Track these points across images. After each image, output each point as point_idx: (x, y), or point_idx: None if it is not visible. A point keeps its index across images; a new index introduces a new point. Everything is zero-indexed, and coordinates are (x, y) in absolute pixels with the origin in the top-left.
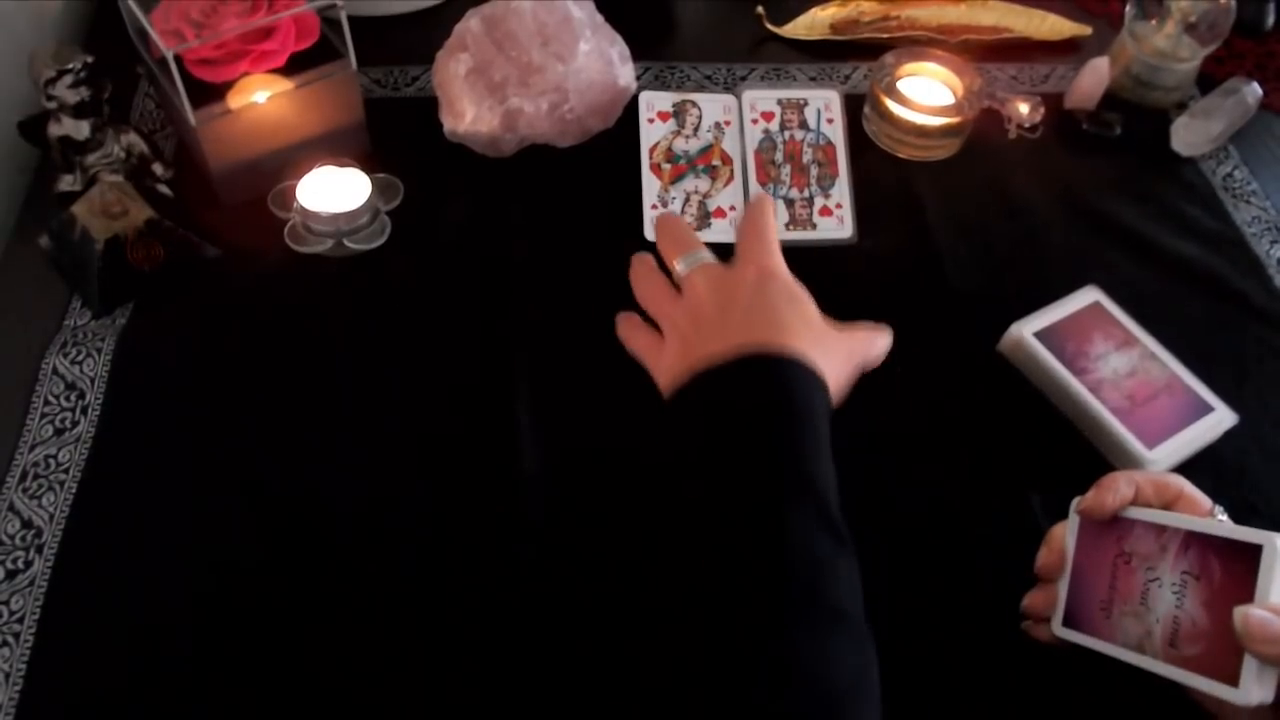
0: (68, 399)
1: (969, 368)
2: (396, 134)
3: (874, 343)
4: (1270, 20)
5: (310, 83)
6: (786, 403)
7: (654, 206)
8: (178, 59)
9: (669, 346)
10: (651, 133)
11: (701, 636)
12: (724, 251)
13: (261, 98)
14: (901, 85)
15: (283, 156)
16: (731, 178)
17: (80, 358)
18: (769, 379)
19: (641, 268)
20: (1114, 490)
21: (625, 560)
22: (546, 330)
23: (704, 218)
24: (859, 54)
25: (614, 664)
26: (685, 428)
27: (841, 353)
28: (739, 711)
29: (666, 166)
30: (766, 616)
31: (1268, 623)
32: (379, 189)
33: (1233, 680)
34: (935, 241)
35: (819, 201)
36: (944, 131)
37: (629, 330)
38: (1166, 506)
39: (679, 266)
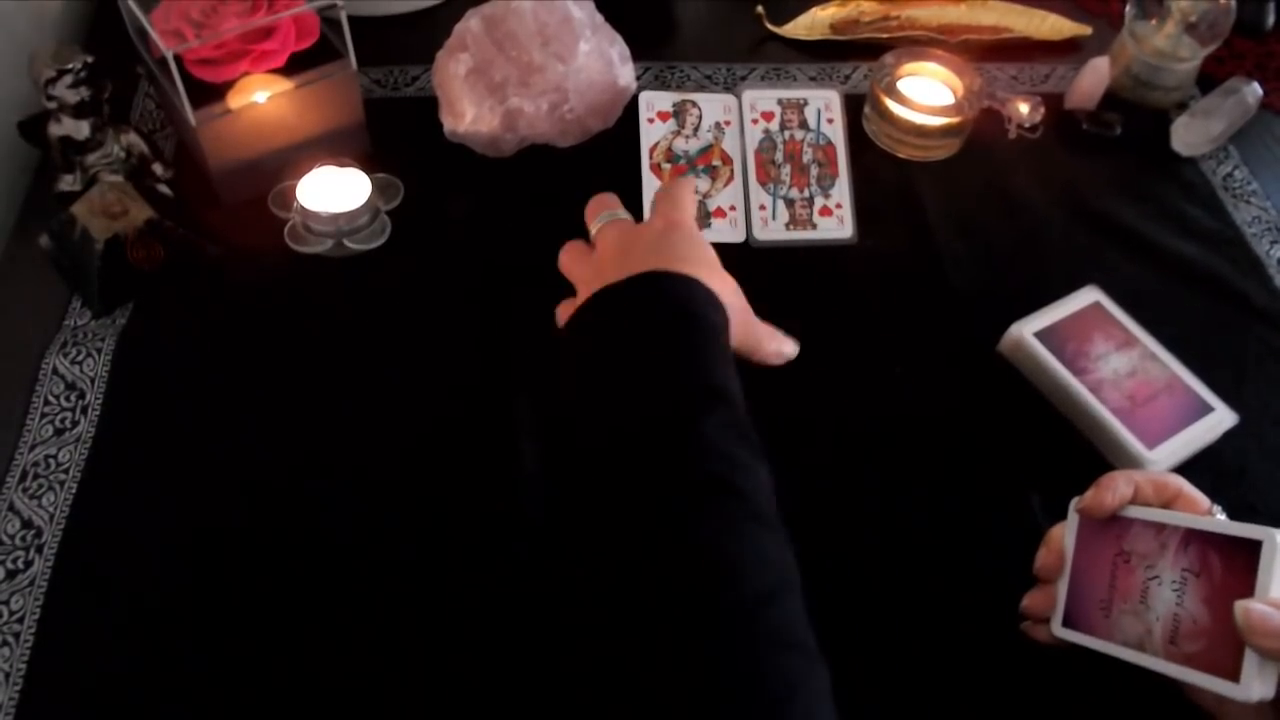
0: (68, 399)
1: (969, 368)
2: (396, 134)
3: (774, 337)
4: (1270, 20)
5: (310, 83)
6: (686, 314)
7: None
8: (178, 59)
9: (577, 298)
10: (651, 133)
11: (623, 543)
12: (724, 251)
13: (261, 98)
14: (902, 85)
15: (283, 156)
16: (731, 178)
17: (80, 358)
18: (666, 293)
19: (568, 244)
20: (1113, 489)
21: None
22: (546, 330)
23: (704, 218)
24: (859, 54)
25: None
26: (584, 347)
27: (738, 300)
28: (666, 615)
29: (667, 166)
30: (680, 515)
31: (1269, 616)
32: (379, 189)
33: (1234, 676)
34: (935, 241)
35: (819, 201)
36: (944, 131)
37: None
38: (1165, 506)
39: (593, 227)
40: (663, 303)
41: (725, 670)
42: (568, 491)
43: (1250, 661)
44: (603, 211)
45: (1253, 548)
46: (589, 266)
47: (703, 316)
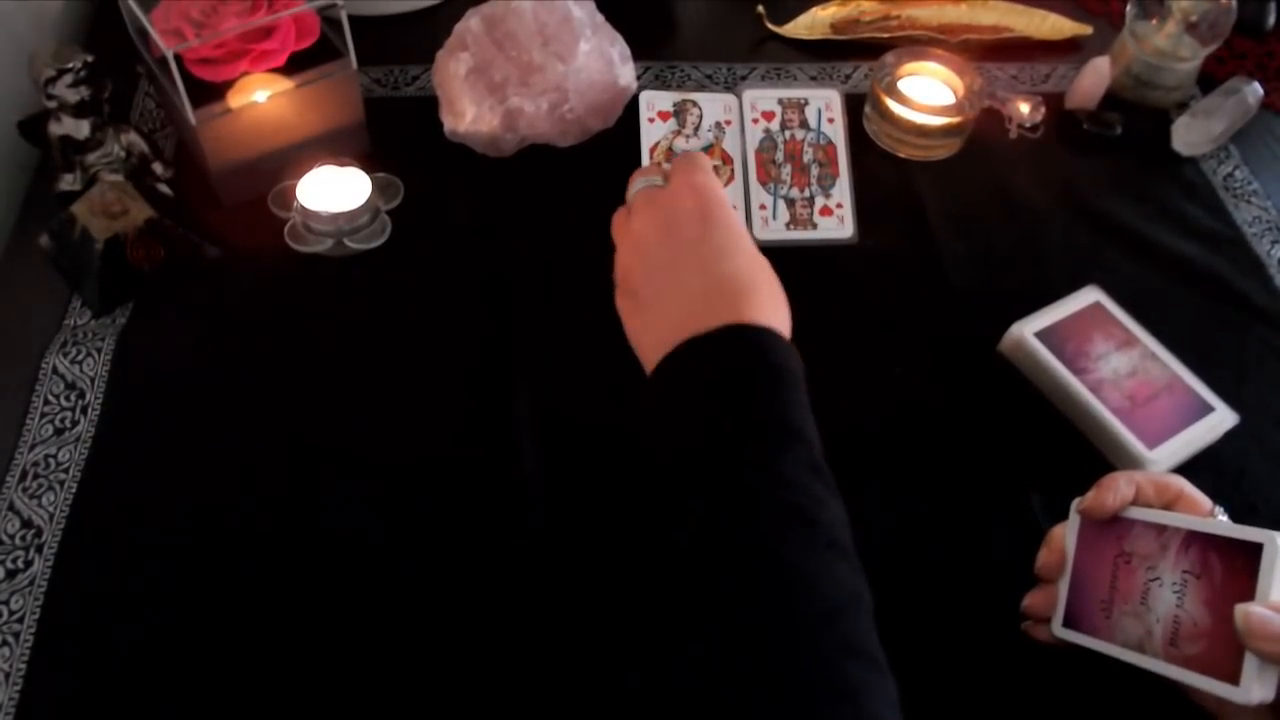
0: (68, 399)
1: (969, 368)
2: (397, 134)
3: None
4: (1271, 20)
5: (310, 82)
6: (769, 366)
7: None
8: (178, 58)
9: (619, 260)
10: (652, 132)
11: (700, 561)
12: None
13: (261, 97)
14: (902, 85)
15: (283, 156)
16: (732, 177)
17: (80, 357)
18: (751, 347)
19: (618, 210)
20: (1114, 490)
21: (626, 556)
22: (546, 330)
23: None
24: (859, 53)
25: (614, 657)
26: (673, 388)
27: (783, 296)
28: (745, 626)
29: (667, 166)
30: (762, 536)
31: (1269, 620)
32: (379, 189)
33: (1233, 679)
34: (935, 241)
35: (819, 201)
36: (944, 131)
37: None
38: (1167, 506)
39: (630, 191)
40: (748, 356)
41: (789, 673)
42: (649, 512)
43: (1250, 664)
44: (639, 180)
45: (1253, 550)
46: (627, 243)
47: (783, 366)
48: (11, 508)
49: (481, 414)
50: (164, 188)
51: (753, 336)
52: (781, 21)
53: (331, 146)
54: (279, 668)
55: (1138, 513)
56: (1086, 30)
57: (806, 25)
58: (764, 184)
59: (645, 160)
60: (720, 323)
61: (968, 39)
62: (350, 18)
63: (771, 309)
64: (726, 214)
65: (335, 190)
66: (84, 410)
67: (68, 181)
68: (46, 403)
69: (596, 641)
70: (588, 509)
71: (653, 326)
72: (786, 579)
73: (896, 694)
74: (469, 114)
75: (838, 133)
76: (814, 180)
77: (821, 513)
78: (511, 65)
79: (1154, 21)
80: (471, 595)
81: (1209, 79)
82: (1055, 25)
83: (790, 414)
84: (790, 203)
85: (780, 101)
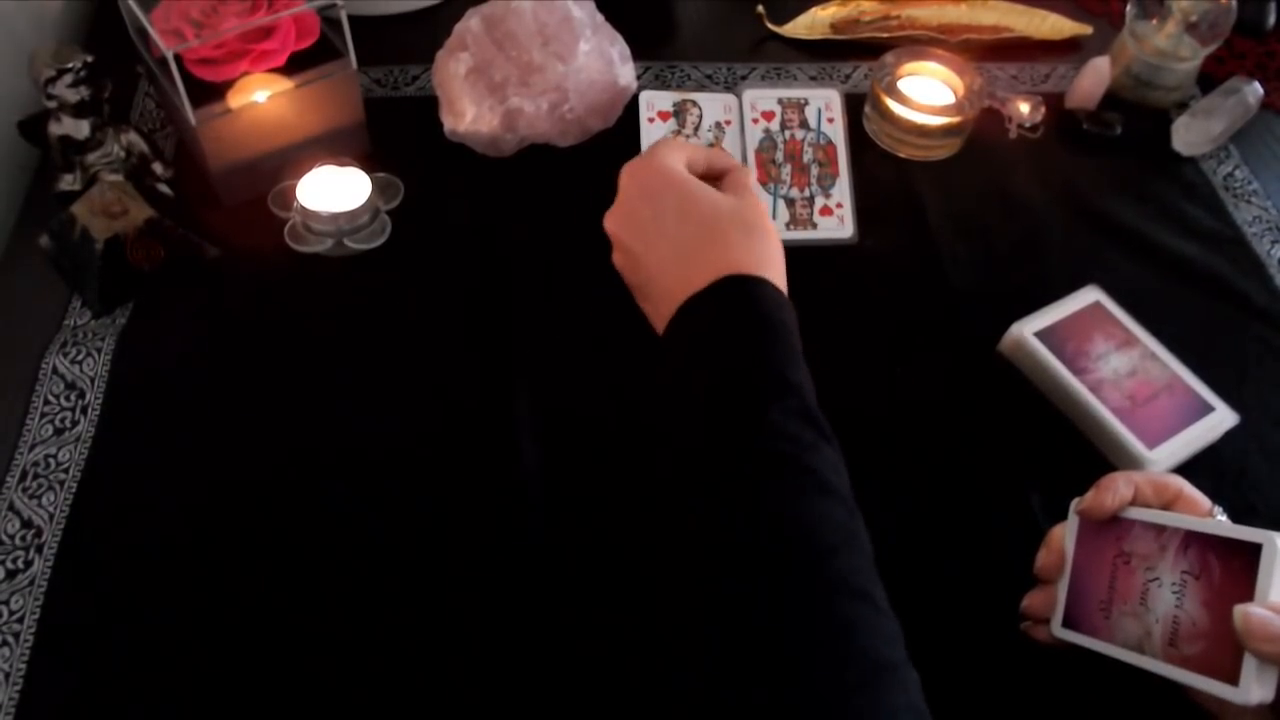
0: (68, 399)
1: (969, 368)
2: (396, 134)
3: None
4: (1271, 20)
5: (310, 82)
6: (760, 318)
7: None
8: (178, 58)
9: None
10: (652, 132)
11: (698, 512)
12: None
13: (261, 97)
14: (902, 85)
15: (283, 156)
16: None
17: (80, 357)
18: (743, 299)
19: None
20: (1113, 491)
21: (626, 553)
22: (546, 329)
23: None
24: (859, 53)
25: (615, 657)
26: (670, 355)
27: (774, 235)
28: (733, 572)
29: None
30: (751, 485)
31: (1268, 621)
32: (379, 189)
33: (1233, 680)
34: (935, 241)
35: (819, 201)
36: (944, 131)
37: None
38: (1166, 507)
39: None
40: (735, 310)
41: (780, 615)
42: (656, 466)
43: (1249, 665)
44: None
45: (1252, 551)
46: (616, 210)
47: (769, 317)
48: (11, 508)
49: (481, 414)
50: (164, 188)
51: (740, 289)
52: (781, 21)
53: (331, 146)
54: (279, 667)
55: (1136, 513)
56: (1086, 30)
57: (806, 25)
58: (764, 184)
59: None
60: (711, 275)
61: (968, 39)
62: (350, 18)
63: (761, 251)
64: (690, 181)
65: (335, 190)
66: (84, 410)
67: (68, 181)
68: (46, 403)
69: (596, 640)
70: (588, 509)
71: (652, 281)
72: (775, 526)
73: (898, 630)
74: (469, 114)
75: (838, 133)
76: (814, 180)
77: (812, 457)
78: (511, 65)
79: (1154, 21)
80: (471, 594)
81: (1209, 79)
82: (1055, 25)
83: (776, 364)
84: (790, 203)
85: (780, 101)
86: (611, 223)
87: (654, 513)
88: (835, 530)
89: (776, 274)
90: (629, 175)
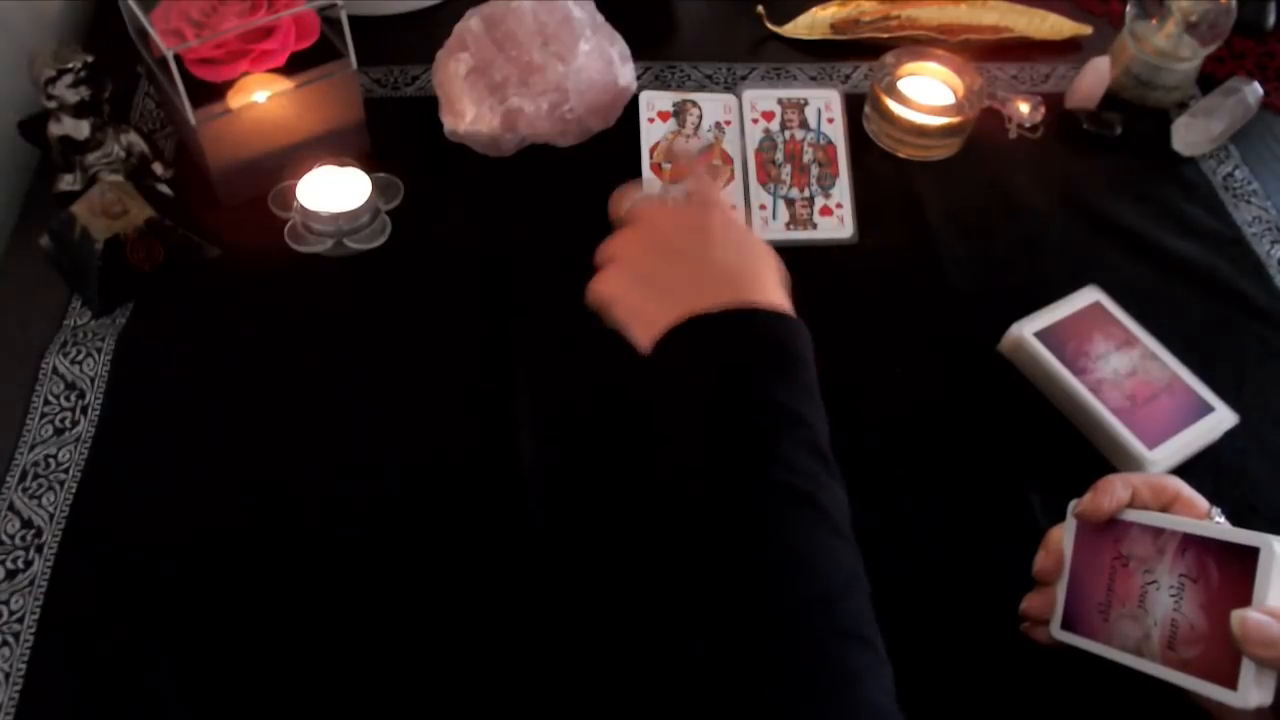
0: (68, 399)
1: (969, 368)
2: (397, 134)
3: None
4: (1271, 20)
5: (310, 82)
6: (775, 348)
7: None
8: (178, 58)
9: (620, 236)
10: (652, 132)
11: (700, 553)
12: None
13: (261, 97)
14: (902, 85)
15: (283, 156)
16: (732, 177)
17: (80, 358)
18: (759, 328)
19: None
20: (1110, 493)
21: (626, 555)
22: (546, 329)
23: None
24: (859, 54)
25: (615, 657)
26: (676, 365)
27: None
28: (743, 611)
29: (667, 166)
30: (763, 523)
31: (1265, 626)
32: (379, 189)
33: (1231, 683)
34: (935, 241)
35: (819, 201)
36: (944, 131)
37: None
38: (1164, 509)
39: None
40: (750, 337)
41: (786, 657)
42: (656, 492)
43: (1248, 668)
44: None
45: (1250, 554)
46: (619, 238)
47: (784, 348)
48: (11, 508)
49: (481, 414)
50: (164, 188)
51: (756, 317)
52: (781, 21)
53: (331, 146)
54: (279, 666)
55: (1134, 515)
56: (1086, 30)
57: (806, 25)
58: (764, 184)
59: (645, 160)
60: (724, 302)
61: (968, 39)
62: (350, 18)
63: (775, 290)
64: (731, 215)
65: (335, 190)
66: (84, 410)
67: (68, 181)
68: (46, 403)
69: (596, 640)
70: (588, 508)
71: (655, 302)
72: (784, 563)
73: (893, 679)
74: (469, 114)
75: (837, 133)
76: (814, 180)
77: (821, 494)
78: (511, 65)
79: (1154, 21)
80: (471, 593)
81: (1209, 79)
82: (1055, 25)
83: (790, 396)
84: (790, 203)
85: (780, 101)
86: (621, 242)
87: (652, 521)
88: (841, 572)
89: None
90: (653, 208)
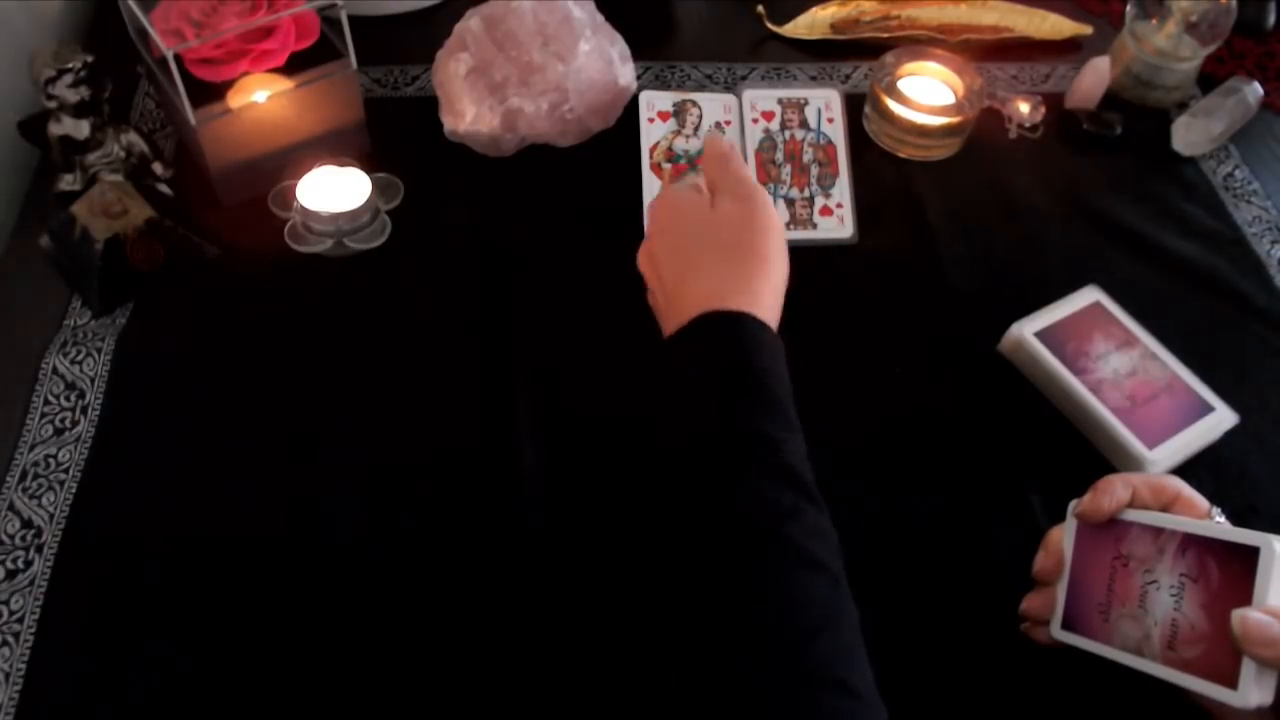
0: (68, 399)
1: (969, 368)
2: (397, 134)
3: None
4: (1271, 20)
5: (310, 82)
6: (738, 364)
7: None
8: (178, 58)
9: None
10: (652, 132)
11: (672, 591)
12: None
13: (261, 97)
14: (902, 85)
15: (283, 156)
16: None
17: (80, 358)
18: (721, 340)
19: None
20: (1110, 493)
21: (624, 556)
22: (546, 329)
23: None
24: (859, 53)
25: (614, 656)
26: (666, 386)
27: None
28: (715, 654)
29: (667, 166)
30: (727, 561)
31: (1266, 625)
32: (379, 189)
33: (1231, 683)
34: (935, 241)
35: (819, 201)
36: (944, 131)
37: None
38: (1164, 509)
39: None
40: (729, 355)
41: (763, 706)
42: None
43: (1248, 668)
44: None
45: (1250, 554)
46: (649, 240)
47: (753, 365)
48: (11, 508)
49: (481, 413)
50: (164, 188)
51: (730, 331)
52: (781, 21)
53: (331, 146)
54: (279, 666)
55: (1135, 515)
56: (1086, 30)
57: (806, 25)
58: (764, 184)
59: (645, 160)
60: (693, 309)
61: (968, 39)
62: (350, 18)
63: (761, 295)
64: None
65: (335, 190)
66: (84, 410)
67: (68, 181)
68: (46, 403)
69: (596, 639)
70: (588, 507)
71: (670, 289)
72: (755, 607)
73: (883, 715)
74: (469, 114)
75: (837, 133)
76: (814, 180)
77: (793, 526)
78: (511, 65)
79: (1154, 21)
80: (471, 593)
81: (1209, 79)
82: (1055, 25)
83: (761, 419)
84: (790, 202)
85: (780, 101)
86: (653, 231)
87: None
88: (818, 608)
89: (765, 290)
90: (648, 211)
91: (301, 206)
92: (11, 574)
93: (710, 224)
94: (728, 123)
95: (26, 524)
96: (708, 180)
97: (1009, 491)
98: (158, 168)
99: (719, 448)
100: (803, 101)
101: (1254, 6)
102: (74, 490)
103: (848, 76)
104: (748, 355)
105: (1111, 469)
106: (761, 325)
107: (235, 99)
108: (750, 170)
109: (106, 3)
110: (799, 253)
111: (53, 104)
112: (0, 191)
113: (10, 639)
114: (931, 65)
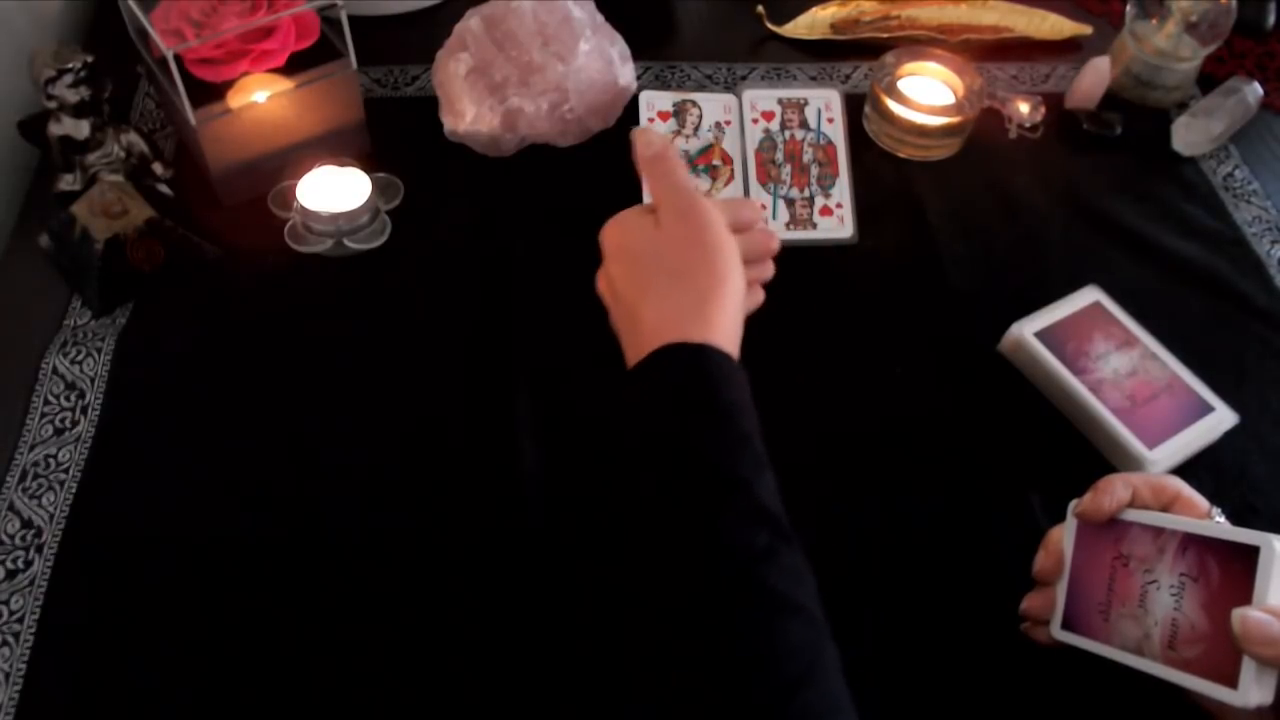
0: (68, 399)
1: (969, 368)
2: (397, 134)
3: (754, 293)
4: (1271, 20)
5: (310, 82)
6: (702, 401)
7: None
8: (178, 59)
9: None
10: None
11: (653, 639)
12: None
13: (261, 97)
14: (902, 85)
15: (283, 156)
16: (732, 177)
17: (80, 358)
18: (683, 374)
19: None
20: (1110, 493)
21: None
22: (546, 329)
23: None
24: (859, 54)
25: (613, 657)
26: (628, 421)
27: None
28: (699, 703)
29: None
30: (707, 613)
31: (1266, 625)
32: (379, 189)
33: (1231, 682)
34: (935, 241)
35: (819, 201)
36: (944, 131)
37: None
38: (1164, 508)
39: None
40: (682, 389)
41: None
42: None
43: (1248, 668)
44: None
45: (1250, 554)
46: (604, 264)
47: (718, 399)
48: (11, 508)
49: (481, 413)
50: (164, 188)
51: (693, 365)
52: (781, 21)
53: (331, 146)
54: (278, 666)
55: (1135, 515)
56: (1086, 30)
57: (806, 25)
58: (763, 184)
59: None
60: (651, 342)
61: (968, 39)
62: (350, 18)
63: (721, 323)
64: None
65: (335, 190)
66: (84, 410)
67: (68, 181)
68: (46, 403)
69: (594, 640)
70: (587, 509)
71: (627, 314)
72: (736, 661)
73: None
74: (469, 114)
75: (837, 133)
76: (814, 180)
77: (767, 569)
78: (511, 65)
79: (1154, 21)
80: (471, 593)
81: (1209, 79)
82: (1055, 25)
83: (727, 456)
84: (790, 203)
85: (780, 101)
86: (609, 258)
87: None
88: (800, 656)
89: (722, 314)
90: (601, 235)
91: (301, 206)
92: (11, 574)
93: (657, 247)
94: (728, 123)
95: (26, 524)
96: (649, 188)
97: (1009, 491)
98: (158, 168)
99: (689, 491)
100: (803, 101)
101: (1254, 6)
102: (74, 490)
103: (848, 76)
104: (714, 390)
105: (1111, 469)
106: (723, 355)
107: (235, 99)
108: (751, 170)
109: (106, 3)
110: (799, 253)
111: (53, 104)
112: (0, 191)
113: (10, 639)
114: (931, 65)
